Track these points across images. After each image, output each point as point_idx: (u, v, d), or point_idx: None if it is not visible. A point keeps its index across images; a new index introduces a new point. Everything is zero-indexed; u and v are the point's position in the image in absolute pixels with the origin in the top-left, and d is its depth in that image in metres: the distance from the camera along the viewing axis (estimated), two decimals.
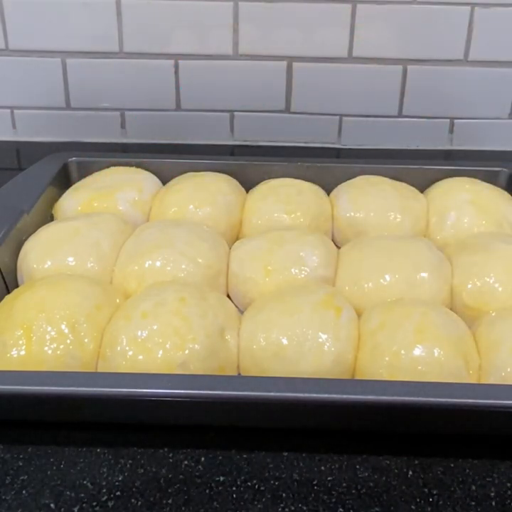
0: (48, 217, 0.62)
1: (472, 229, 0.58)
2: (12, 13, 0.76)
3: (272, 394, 0.40)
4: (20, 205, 0.59)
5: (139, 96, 0.80)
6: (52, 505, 0.39)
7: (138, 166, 0.67)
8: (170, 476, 0.41)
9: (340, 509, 0.39)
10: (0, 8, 0.76)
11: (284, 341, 0.45)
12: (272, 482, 0.40)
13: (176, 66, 0.79)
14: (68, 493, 0.40)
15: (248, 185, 0.66)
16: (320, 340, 0.45)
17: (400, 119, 0.81)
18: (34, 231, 0.57)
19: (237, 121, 0.82)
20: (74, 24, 0.77)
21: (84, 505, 0.39)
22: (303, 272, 0.52)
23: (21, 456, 0.42)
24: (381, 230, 0.59)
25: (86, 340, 0.45)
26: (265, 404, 0.40)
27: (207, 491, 0.40)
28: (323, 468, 0.41)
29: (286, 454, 0.42)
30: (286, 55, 0.78)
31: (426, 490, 0.40)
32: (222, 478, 0.41)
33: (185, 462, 0.42)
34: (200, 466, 0.41)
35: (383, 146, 0.82)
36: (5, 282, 0.54)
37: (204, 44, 0.77)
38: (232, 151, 0.83)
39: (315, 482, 0.40)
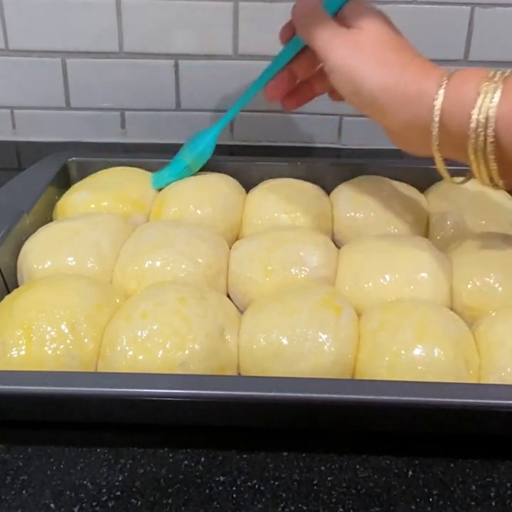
0: (48, 218, 0.62)
1: (472, 229, 0.58)
2: (12, 13, 0.76)
3: (272, 394, 0.40)
4: (20, 205, 0.59)
5: (139, 96, 0.80)
6: (52, 505, 0.39)
7: (138, 166, 0.67)
8: (170, 476, 0.41)
9: (340, 509, 0.39)
10: (0, 8, 0.76)
11: (284, 341, 0.45)
12: (271, 482, 0.40)
13: (176, 66, 0.79)
14: (68, 493, 0.40)
15: (248, 185, 0.66)
16: (320, 340, 0.45)
17: None
18: (34, 231, 0.57)
19: (237, 121, 0.82)
20: (74, 24, 0.76)
21: (84, 505, 0.39)
22: (303, 272, 0.52)
23: (21, 456, 0.42)
24: (381, 230, 0.59)
25: (86, 340, 0.45)
26: (265, 404, 0.40)
27: (207, 491, 0.40)
28: (323, 468, 0.41)
29: (286, 454, 0.42)
30: None
31: (426, 490, 0.40)
32: (222, 478, 0.41)
33: (185, 462, 0.42)
34: (200, 466, 0.41)
35: (383, 146, 0.82)
36: (5, 282, 0.54)
37: (204, 44, 0.77)
38: (232, 151, 0.83)
39: (315, 482, 0.40)
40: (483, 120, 0.41)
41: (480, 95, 0.41)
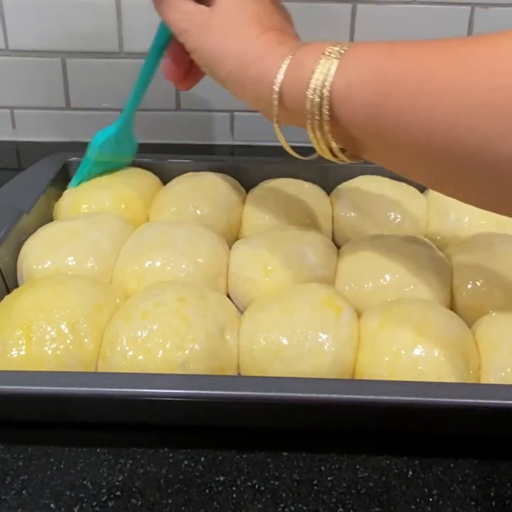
0: (48, 218, 0.62)
1: (472, 229, 0.58)
2: (12, 13, 0.76)
3: (272, 394, 0.40)
4: (20, 205, 0.59)
5: None
6: (52, 505, 0.39)
7: (138, 165, 0.67)
8: (170, 476, 0.41)
9: (340, 509, 0.39)
10: (0, 8, 0.76)
11: (284, 341, 0.45)
12: (271, 482, 0.40)
13: None
14: (68, 493, 0.40)
15: (248, 185, 0.66)
16: (320, 340, 0.45)
17: None
18: (34, 231, 0.57)
19: (237, 121, 0.82)
20: (74, 24, 0.77)
21: (84, 505, 0.39)
22: (303, 272, 0.52)
23: (21, 456, 0.42)
24: (381, 230, 0.59)
25: (86, 340, 0.45)
26: (265, 404, 0.40)
27: (207, 491, 0.40)
28: (323, 468, 0.41)
29: (286, 454, 0.42)
30: None
31: (426, 490, 0.40)
32: (222, 478, 0.41)
33: (185, 462, 0.42)
34: (200, 466, 0.41)
35: None
36: (5, 282, 0.54)
37: None
38: (232, 151, 0.83)
39: (315, 482, 0.40)
40: (318, 100, 0.38)
41: (315, 72, 0.38)
